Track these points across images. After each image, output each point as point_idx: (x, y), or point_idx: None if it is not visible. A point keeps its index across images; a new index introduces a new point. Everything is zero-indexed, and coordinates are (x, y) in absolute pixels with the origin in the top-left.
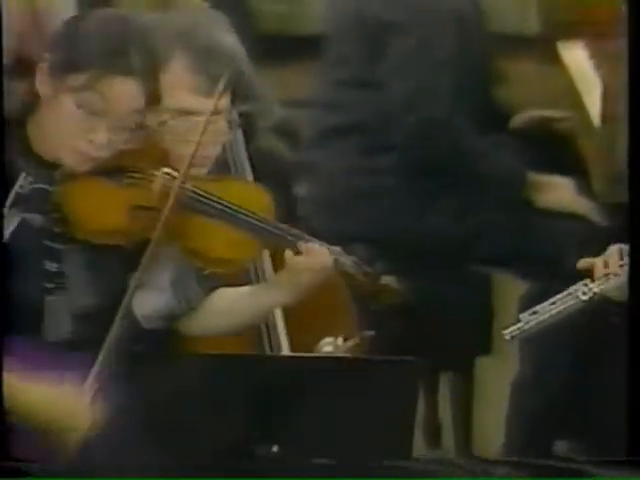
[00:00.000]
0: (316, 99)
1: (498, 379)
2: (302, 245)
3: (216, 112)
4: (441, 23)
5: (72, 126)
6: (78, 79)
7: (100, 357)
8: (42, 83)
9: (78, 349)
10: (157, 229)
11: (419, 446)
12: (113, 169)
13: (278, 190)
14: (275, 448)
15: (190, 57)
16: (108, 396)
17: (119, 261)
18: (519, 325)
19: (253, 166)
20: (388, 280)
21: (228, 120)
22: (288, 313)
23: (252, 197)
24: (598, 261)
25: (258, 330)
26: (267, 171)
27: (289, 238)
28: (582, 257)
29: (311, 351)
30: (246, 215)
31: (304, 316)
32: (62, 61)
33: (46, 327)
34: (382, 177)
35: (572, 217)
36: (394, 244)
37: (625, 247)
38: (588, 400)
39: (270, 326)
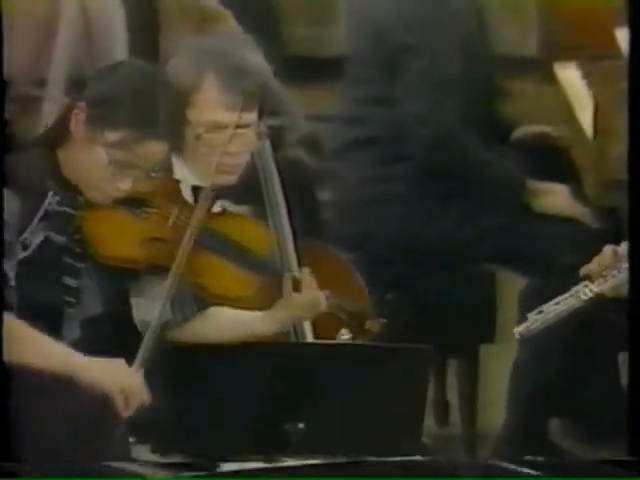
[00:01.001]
0: (338, 114)
1: (500, 364)
2: (303, 277)
3: (245, 125)
4: (450, 46)
5: (101, 173)
6: (112, 136)
7: (142, 346)
8: (78, 128)
9: (86, 350)
10: (176, 264)
11: (429, 424)
12: (132, 201)
13: (303, 195)
14: (301, 425)
15: (220, 76)
16: (150, 380)
17: (128, 280)
18: (527, 324)
19: (280, 174)
20: (370, 324)
21: (257, 132)
22: None
23: (251, 233)
24: (594, 264)
25: None
26: (293, 178)
27: (285, 274)
28: (576, 256)
29: (332, 339)
30: (248, 253)
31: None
32: (98, 117)
33: (63, 332)
34: (396, 184)
35: (567, 220)
36: (406, 245)
37: (617, 247)
38: (580, 384)
39: None
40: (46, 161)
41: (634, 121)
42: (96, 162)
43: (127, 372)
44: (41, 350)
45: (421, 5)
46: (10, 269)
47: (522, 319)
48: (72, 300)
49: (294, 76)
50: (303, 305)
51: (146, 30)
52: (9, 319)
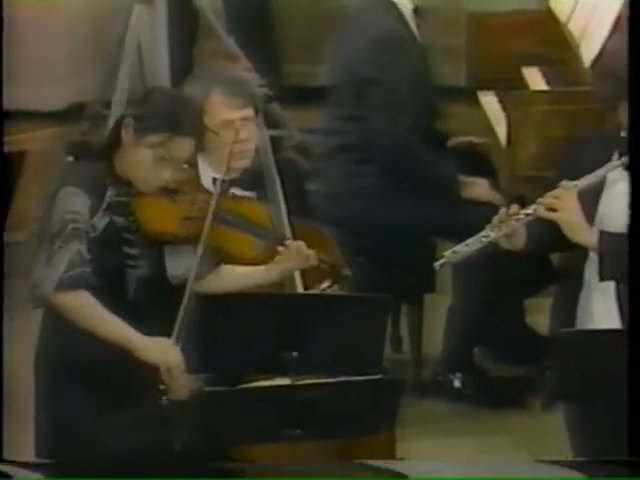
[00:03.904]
0: (322, 128)
1: (439, 308)
2: (290, 244)
3: (247, 118)
4: (402, 79)
5: (146, 168)
6: (154, 138)
7: (178, 321)
8: (127, 136)
9: (139, 305)
10: (203, 235)
11: (388, 352)
12: (169, 191)
13: (295, 187)
14: (295, 354)
15: (223, 86)
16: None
17: (161, 247)
18: (444, 260)
19: (279, 170)
20: (345, 271)
21: (256, 123)
22: None
23: (256, 211)
24: (495, 218)
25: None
26: (288, 174)
27: (285, 241)
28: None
29: (316, 285)
30: (253, 225)
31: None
32: (144, 126)
33: (126, 287)
34: (365, 180)
35: (487, 204)
36: (372, 223)
37: (511, 207)
38: (495, 322)
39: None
40: (105, 165)
41: (634, 119)
42: (143, 159)
43: (171, 348)
44: (110, 326)
45: (381, 49)
46: (85, 252)
47: (456, 276)
48: (131, 263)
49: (290, 101)
50: (295, 259)
51: (184, 58)
52: (86, 296)
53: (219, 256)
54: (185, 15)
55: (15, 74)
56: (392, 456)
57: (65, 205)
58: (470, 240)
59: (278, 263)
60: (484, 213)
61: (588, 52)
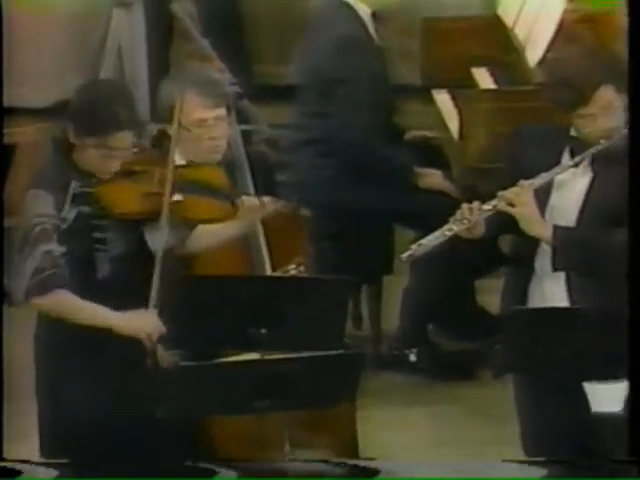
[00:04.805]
0: (290, 124)
1: (396, 288)
2: (245, 200)
3: (219, 118)
4: (364, 79)
5: (96, 162)
6: (92, 140)
7: (152, 290)
8: (72, 137)
9: (116, 282)
10: (164, 205)
11: (349, 328)
12: (128, 173)
13: (265, 177)
14: (264, 330)
15: (197, 87)
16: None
17: (139, 225)
18: (409, 252)
19: (250, 162)
20: (303, 211)
21: (228, 122)
22: (269, 244)
23: (214, 175)
24: (458, 214)
25: (250, 255)
26: (259, 165)
27: (240, 198)
28: (445, 216)
29: (283, 268)
30: (214, 189)
31: (278, 246)
32: (79, 129)
33: (97, 269)
34: (329, 170)
35: (440, 193)
36: (335, 210)
37: (472, 205)
38: (447, 301)
39: (257, 251)
40: (67, 159)
41: (634, 121)
42: (91, 156)
43: (147, 317)
44: (87, 314)
45: (344, 51)
46: (56, 248)
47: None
48: (100, 247)
49: (260, 98)
50: (254, 210)
51: (161, 59)
52: (65, 294)
53: (186, 222)
54: (162, 19)
55: (7, 74)
56: (353, 425)
57: (29, 209)
58: (435, 233)
59: (241, 217)
60: (438, 201)
61: (533, 55)
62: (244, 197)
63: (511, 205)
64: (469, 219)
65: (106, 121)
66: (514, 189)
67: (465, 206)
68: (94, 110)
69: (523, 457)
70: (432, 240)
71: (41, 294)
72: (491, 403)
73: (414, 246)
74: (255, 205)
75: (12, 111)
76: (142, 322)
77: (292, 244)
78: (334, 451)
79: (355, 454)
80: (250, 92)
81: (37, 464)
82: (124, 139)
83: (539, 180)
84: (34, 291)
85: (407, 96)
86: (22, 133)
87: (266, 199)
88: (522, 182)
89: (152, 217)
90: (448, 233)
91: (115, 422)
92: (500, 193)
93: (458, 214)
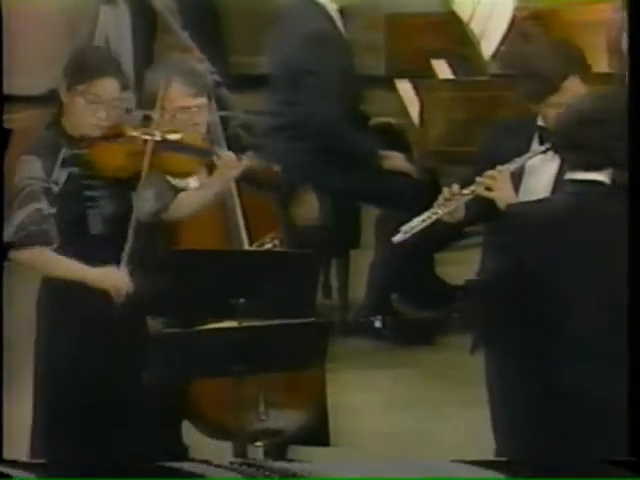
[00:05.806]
0: (263, 110)
1: (362, 262)
2: (222, 155)
3: (200, 105)
4: (332, 69)
5: (85, 113)
6: (83, 86)
7: (126, 247)
8: (63, 93)
9: (108, 238)
10: (144, 164)
11: (319, 298)
12: (114, 136)
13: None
14: (242, 300)
15: (182, 76)
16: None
17: (127, 187)
18: (402, 234)
19: (228, 144)
20: (276, 168)
21: (209, 109)
22: (246, 218)
23: (195, 137)
24: (440, 198)
25: (229, 230)
26: (235, 148)
27: (217, 154)
28: (411, 195)
29: (259, 241)
30: (192, 146)
31: (254, 221)
32: (69, 80)
33: (90, 226)
34: (300, 154)
35: (402, 174)
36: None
37: (451, 189)
38: (410, 272)
39: (235, 228)
40: (57, 128)
41: (634, 120)
42: (78, 107)
43: (117, 274)
44: (64, 269)
45: (313, 44)
46: (45, 208)
47: (378, 234)
48: (92, 204)
49: (237, 87)
50: (230, 166)
51: (146, 50)
52: (43, 250)
53: (168, 175)
54: (145, 14)
55: (4, 64)
56: (323, 387)
57: (21, 173)
58: (422, 216)
59: (219, 174)
60: (400, 182)
61: (487, 48)
62: (222, 152)
63: (489, 189)
64: (451, 202)
65: (92, 67)
66: (491, 172)
67: (446, 190)
68: (83, 58)
69: (488, 418)
70: (419, 223)
71: (23, 247)
72: (449, 366)
73: (405, 228)
74: (232, 159)
75: (8, 99)
76: (113, 278)
77: (267, 219)
78: (306, 411)
79: (324, 413)
80: (227, 81)
81: (24, 465)
82: (110, 86)
83: (514, 164)
84: (16, 244)
85: (372, 85)
86: (18, 120)
87: (242, 156)
88: (499, 167)
89: (138, 177)
90: (433, 216)
91: (103, 383)
92: (478, 178)
93: (440, 198)
